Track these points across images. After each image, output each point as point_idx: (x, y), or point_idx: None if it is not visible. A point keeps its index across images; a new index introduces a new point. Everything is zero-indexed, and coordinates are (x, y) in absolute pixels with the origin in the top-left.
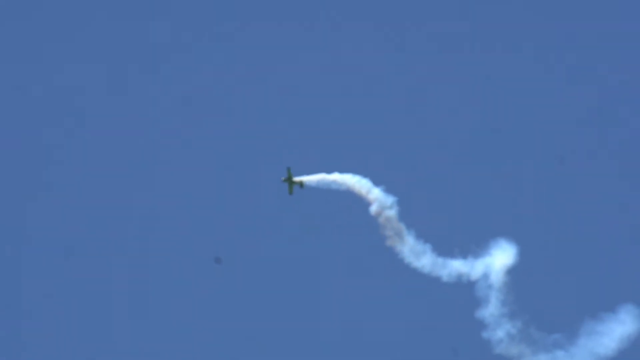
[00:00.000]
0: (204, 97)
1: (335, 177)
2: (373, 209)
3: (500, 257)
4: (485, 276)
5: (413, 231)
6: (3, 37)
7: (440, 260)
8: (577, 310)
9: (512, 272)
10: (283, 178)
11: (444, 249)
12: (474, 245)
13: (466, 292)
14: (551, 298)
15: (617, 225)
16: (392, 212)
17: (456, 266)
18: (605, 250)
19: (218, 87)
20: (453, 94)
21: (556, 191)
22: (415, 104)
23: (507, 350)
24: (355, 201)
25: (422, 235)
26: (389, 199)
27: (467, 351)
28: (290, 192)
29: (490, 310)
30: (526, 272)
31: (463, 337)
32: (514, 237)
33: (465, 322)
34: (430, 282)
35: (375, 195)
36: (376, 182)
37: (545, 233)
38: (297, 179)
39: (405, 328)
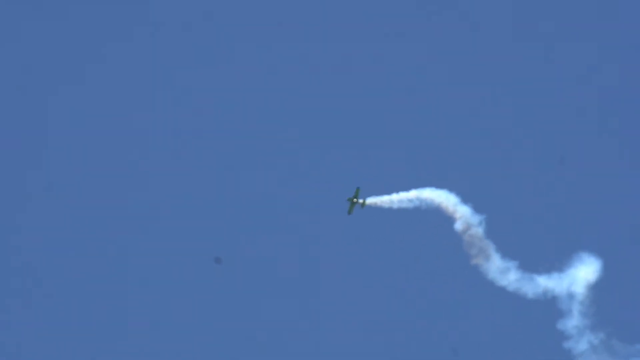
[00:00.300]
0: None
1: (418, 193)
2: (459, 226)
3: (584, 271)
4: (569, 290)
5: (498, 248)
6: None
7: (525, 276)
8: None
9: (596, 286)
10: (349, 198)
11: (529, 265)
12: (558, 260)
13: (550, 306)
14: (634, 310)
15: None
16: (478, 229)
17: (541, 282)
18: None
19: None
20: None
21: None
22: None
23: None
24: (433, 219)
25: (507, 251)
26: (476, 216)
27: None
28: (350, 212)
29: (573, 322)
30: (610, 285)
31: (545, 348)
32: (598, 250)
33: (547, 334)
34: (515, 299)
35: (461, 211)
36: (460, 198)
37: (629, 245)
38: (362, 200)
39: (488, 343)
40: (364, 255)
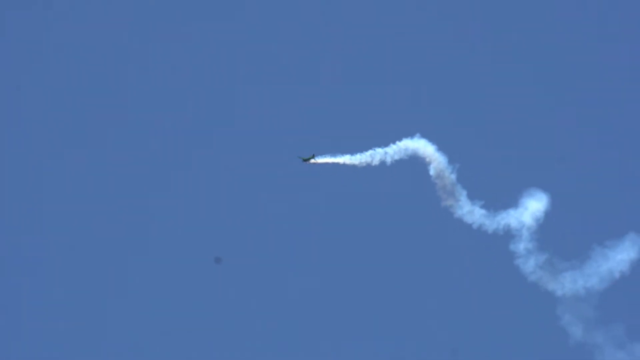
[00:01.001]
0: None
1: (401, 143)
2: (433, 172)
3: (534, 204)
4: (522, 221)
5: (465, 190)
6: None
7: (487, 214)
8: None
9: (544, 216)
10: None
11: (491, 205)
12: (513, 197)
13: (507, 237)
14: (573, 234)
15: None
16: (450, 175)
17: (500, 218)
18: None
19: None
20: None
21: None
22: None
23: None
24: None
25: (473, 193)
26: (447, 163)
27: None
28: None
29: (523, 245)
30: (555, 215)
31: (501, 272)
32: (545, 186)
33: (504, 260)
34: (479, 233)
35: (436, 158)
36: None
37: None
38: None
39: (456, 273)
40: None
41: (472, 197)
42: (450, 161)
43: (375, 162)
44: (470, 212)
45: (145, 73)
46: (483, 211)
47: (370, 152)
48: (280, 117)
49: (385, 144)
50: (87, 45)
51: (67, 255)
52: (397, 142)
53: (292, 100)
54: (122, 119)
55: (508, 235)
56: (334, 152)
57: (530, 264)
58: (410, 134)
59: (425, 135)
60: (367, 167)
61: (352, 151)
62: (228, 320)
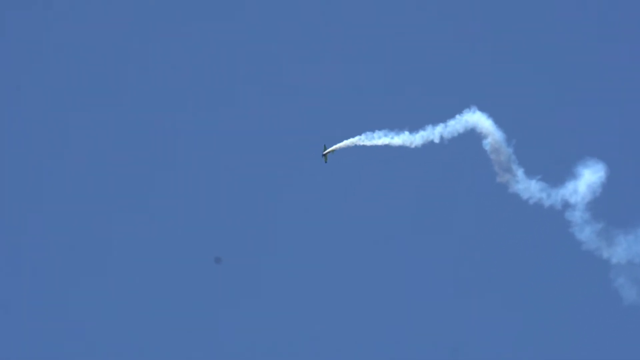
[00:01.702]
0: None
1: (461, 117)
2: (489, 147)
3: (590, 174)
4: (579, 191)
5: (522, 164)
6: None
7: (544, 188)
8: None
9: (601, 186)
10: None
11: (546, 178)
12: (568, 169)
13: (564, 210)
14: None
15: None
16: (507, 149)
17: (557, 191)
18: None
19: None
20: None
21: None
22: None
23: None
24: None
25: (529, 168)
26: (504, 137)
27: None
28: (326, 161)
29: (579, 214)
30: (612, 185)
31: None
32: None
33: (561, 233)
34: (536, 208)
35: (493, 133)
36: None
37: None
38: (330, 148)
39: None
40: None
41: (528, 171)
42: (507, 135)
43: (427, 140)
44: (527, 187)
45: (144, 72)
46: (540, 185)
47: (420, 133)
48: (321, 96)
49: (439, 120)
50: (85, 45)
51: (67, 256)
52: (452, 119)
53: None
54: (121, 119)
55: (565, 207)
56: (390, 130)
57: (585, 233)
58: (464, 108)
59: (482, 108)
60: (417, 146)
61: (405, 129)
62: (229, 320)
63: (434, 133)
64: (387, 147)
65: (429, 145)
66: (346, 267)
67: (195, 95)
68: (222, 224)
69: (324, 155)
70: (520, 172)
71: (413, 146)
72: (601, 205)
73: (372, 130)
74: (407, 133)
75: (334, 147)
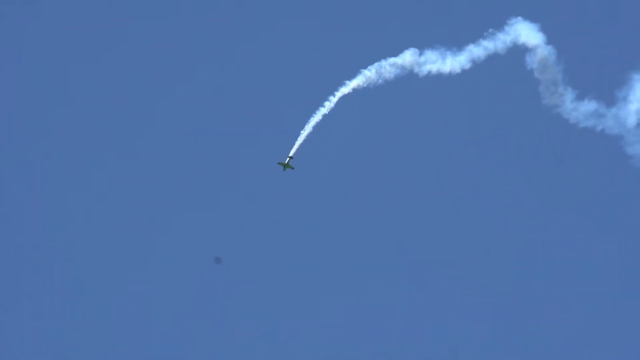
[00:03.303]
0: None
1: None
2: (536, 65)
3: None
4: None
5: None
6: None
7: (595, 110)
8: None
9: None
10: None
11: (599, 99)
12: (621, 88)
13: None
14: None
15: None
16: (554, 66)
17: (610, 112)
18: None
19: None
20: None
21: None
22: None
23: None
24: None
25: (579, 88)
26: (551, 53)
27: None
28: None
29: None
30: None
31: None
32: None
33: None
34: (585, 132)
35: (540, 48)
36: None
37: None
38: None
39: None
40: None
41: (577, 92)
42: (556, 53)
43: (463, 62)
44: (575, 108)
45: (144, 72)
46: (589, 106)
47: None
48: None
49: (478, 34)
50: (81, 45)
51: (67, 256)
52: (494, 32)
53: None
54: (121, 118)
55: (615, 128)
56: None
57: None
58: (508, 19)
59: (528, 18)
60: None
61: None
62: (230, 320)
63: (471, 52)
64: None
65: (469, 66)
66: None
67: (196, 93)
68: (222, 224)
69: (285, 164)
70: (569, 93)
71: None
72: None
73: (418, 48)
74: (442, 54)
75: (290, 154)
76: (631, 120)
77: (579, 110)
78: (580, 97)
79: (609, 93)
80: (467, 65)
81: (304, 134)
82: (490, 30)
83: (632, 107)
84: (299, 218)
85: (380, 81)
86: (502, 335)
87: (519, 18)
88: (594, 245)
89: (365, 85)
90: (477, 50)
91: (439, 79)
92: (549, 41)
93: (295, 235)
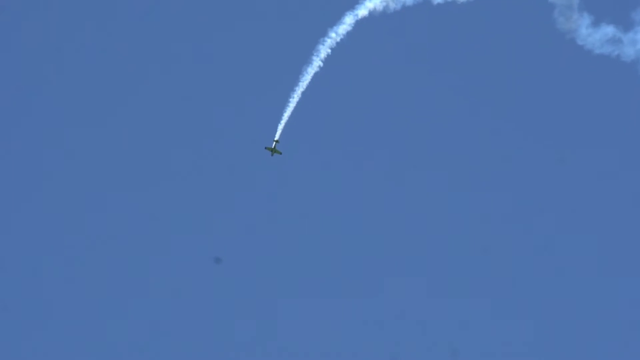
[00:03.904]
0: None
1: None
2: None
3: None
4: None
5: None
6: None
7: (612, 37)
8: None
9: None
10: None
11: (618, 25)
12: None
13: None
14: None
15: None
16: None
17: (628, 39)
18: None
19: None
20: None
21: None
22: None
23: None
24: None
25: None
26: None
27: None
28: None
29: None
30: None
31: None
32: None
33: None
34: (603, 59)
35: None
36: None
37: None
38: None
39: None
40: None
41: (593, 18)
42: None
43: None
44: (591, 34)
45: (142, 72)
46: (605, 31)
47: None
48: None
49: None
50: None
51: (67, 256)
52: None
53: None
54: (121, 118)
55: (632, 54)
56: None
57: None
58: None
59: None
60: None
61: None
62: (230, 321)
63: None
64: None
65: None
66: None
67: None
68: (222, 223)
69: (273, 149)
70: (584, 19)
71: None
72: None
73: None
74: None
75: (276, 137)
76: None
77: (594, 36)
78: (595, 23)
79: (626, 17)
80: None
81: (286, 114)
82: None
83: None
84: (297, 213)
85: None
86: (502, 335)
87: None
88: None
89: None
90: None
91: (452, 6)
92: None
93: (296, 234)
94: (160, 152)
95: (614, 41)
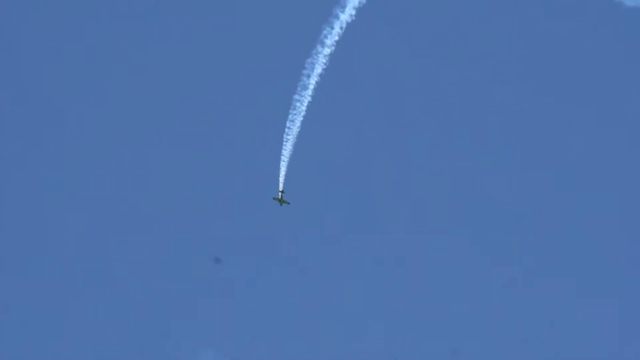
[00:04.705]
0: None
1: None
2: None
3: None
4: None
5: None
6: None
7: None
8: None
9: None
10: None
11: None
12: None
13: None
14: None
15: None
16: None
17: None
18: None
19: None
20: None
21: None
22: None
23: None
24: None
25: None
26: None
27: None
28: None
29: None
30: None
31: None
32: None
33: None
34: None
35: None
36: None
37: None
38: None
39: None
40: None
41: None
42: None
43: None
44: None
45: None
46: None
47: None
48: None
49: None
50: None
51: (66, 256)
52: None
53: None
54: (121, 118)
55: None
56: None
57: None
58: None
59: None
60: None
61: None
62: (230, 320)
63: None
64: None
65: None
66: None
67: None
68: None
69: (280, 199)
70: None
71: None
72: None
73: None
74: None
75: (281, 188)
76: None
77: None
78: None
79: None
80: None
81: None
82: None
83: None
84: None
85: None
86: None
87: None
88: None
89: None
90: None
91: None
92: None
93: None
94: (161, 153)
95: None
